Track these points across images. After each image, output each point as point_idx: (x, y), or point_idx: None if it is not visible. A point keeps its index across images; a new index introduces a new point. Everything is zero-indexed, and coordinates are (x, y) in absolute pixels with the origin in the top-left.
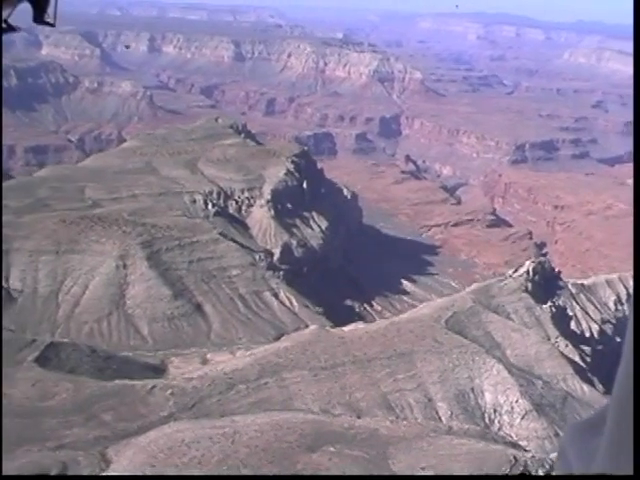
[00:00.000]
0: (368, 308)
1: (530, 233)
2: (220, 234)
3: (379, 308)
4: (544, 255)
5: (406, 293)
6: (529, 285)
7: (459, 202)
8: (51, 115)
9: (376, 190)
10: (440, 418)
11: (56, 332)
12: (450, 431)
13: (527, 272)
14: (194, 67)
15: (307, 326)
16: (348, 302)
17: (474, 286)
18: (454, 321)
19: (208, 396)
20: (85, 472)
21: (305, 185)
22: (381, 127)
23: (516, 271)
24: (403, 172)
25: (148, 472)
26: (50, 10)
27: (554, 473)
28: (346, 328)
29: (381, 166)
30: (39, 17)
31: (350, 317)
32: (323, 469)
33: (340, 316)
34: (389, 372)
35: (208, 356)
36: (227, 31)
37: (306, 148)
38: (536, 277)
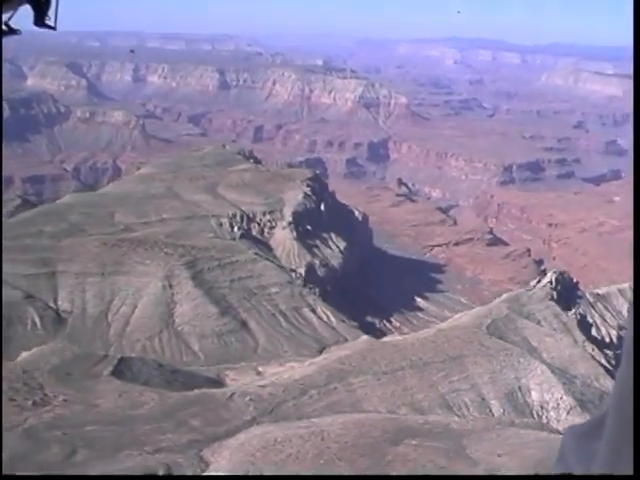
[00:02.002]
0: (387, 324)
1: (529, 250)
2: (256, 254)
3: (397, 324)
4: (544, 271)
5: (420, 310)
6: (554, 294)
7: (455, 223)
8: (45, 145)
9: (375, 213)
10: (494, 415)
11: (110, 350)
12: (513, 424)
13: (550, 282)
14: (180, 96)
15: (346, 339)
16: (369, 319)
17: (505, 296)
18: (494, 327)
19: (284, 401)
20: (188, 472)
21: (323, 207)
22: (370, 152)
23: (539, 282)
24: (398, 195)
25: (251, 470)
26: (51, 13)
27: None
28: (385, 339)
29: (375, 190)
30: (40, 20)
31: (373, 333)
32: (411, 459)
33: (364, 332)
34: (444, 375)
35: (260, 369)
36: (210, 60)
37: (318, 172)
38: (559, 287)
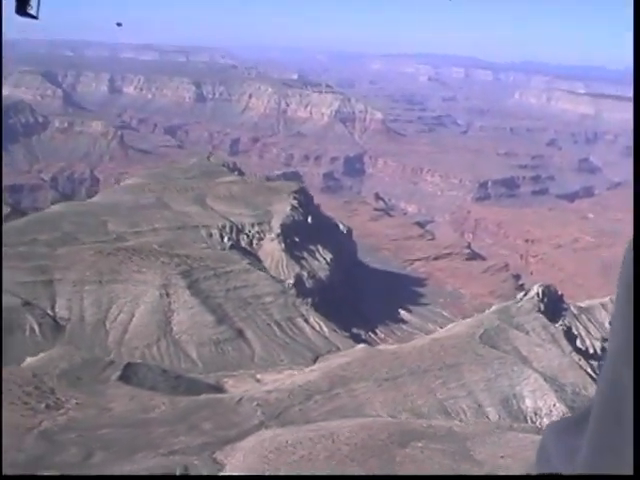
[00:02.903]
0: (373, 335)
1: (507, 265)
2: (249, 264)
3: (382, 335)
4: (522, 286)
5: (404, 322)
6: (541, 306)
7: (433, 237)
8: (22, 155)
9: (355, 227)
10: (490, 420)
11: (109, 357)
12: (512, 428)
13: (537, 295)
14: (155, 107)
15: (338, 349)
16: (354, 330)
17: (494, 307)
18: (486, 337)
19: (290, 406)
20: (204, 473)
21: (309, 220)
22: (345, 166)
23: (526, 294)
24: (376, 210)
25: (266, 471)
26: (33, 2)
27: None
28: (380, 348)
29: (353, 204)
30: (22, 8)
31: (359, 344)
32: (419, 460)
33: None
34: (442, 382)
35: (258, 376)
36: (185, 72)
37: (303, 185)
38: (545, 299)
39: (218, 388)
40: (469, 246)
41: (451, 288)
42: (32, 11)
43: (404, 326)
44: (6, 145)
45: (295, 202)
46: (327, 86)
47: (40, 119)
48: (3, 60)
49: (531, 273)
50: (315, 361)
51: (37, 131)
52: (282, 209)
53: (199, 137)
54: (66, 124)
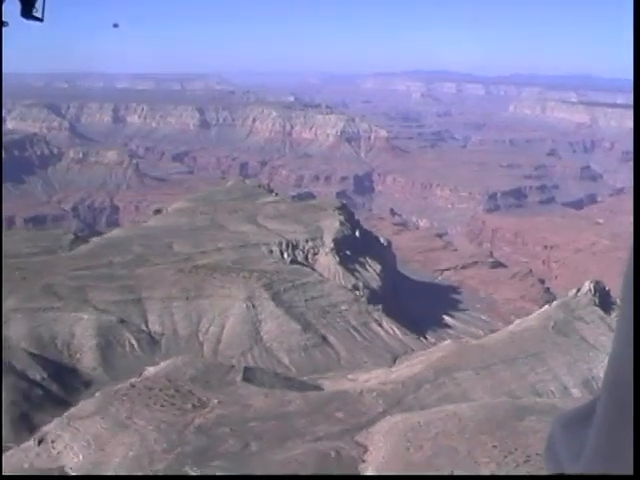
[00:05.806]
0: (424, 340)
1: (531, 271)
2: (320, 276)
3: (433, 340)
4: (548, 290)
5: (449, 327)
6: (596, 300)
7: (456, 248)
8: (40, 186)
9: None
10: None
11: None
12: None
13: (590, 290)
14: (160, 135)
15: (412, 350)
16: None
17: (555, 303)
18: (557, 329)
19: (405, 394)
20: (353, 454)
21: (357, 233)
22: (356, 185)
23: (579, 291)
24: (395, 224)
25: (411, 447)
26: (38, 5)
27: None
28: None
29: (371, 220)
30: (27, 12)
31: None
32: (539, 430)
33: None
34: (530, 368)
35: (350, 376)
36: (186, 99)
37: (344, 202)
38: (597, 294)
39: (319, 388)
40: (492, 255)
41: (484, 294)
42: (37, 14)
43: (450, 330)
44: (23, 177)
45: (342, 218)
46: (327, 107)
47: (55, 151)
48: (6, 95)
49: (556, 277)
50: (395, 361)
51: (52, 162)
52: (331, 224)
53: (207, 163)
54: (81, 154)
